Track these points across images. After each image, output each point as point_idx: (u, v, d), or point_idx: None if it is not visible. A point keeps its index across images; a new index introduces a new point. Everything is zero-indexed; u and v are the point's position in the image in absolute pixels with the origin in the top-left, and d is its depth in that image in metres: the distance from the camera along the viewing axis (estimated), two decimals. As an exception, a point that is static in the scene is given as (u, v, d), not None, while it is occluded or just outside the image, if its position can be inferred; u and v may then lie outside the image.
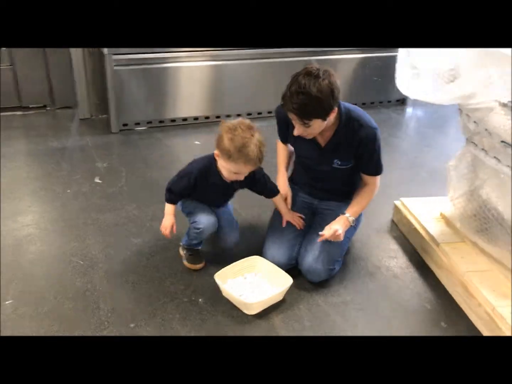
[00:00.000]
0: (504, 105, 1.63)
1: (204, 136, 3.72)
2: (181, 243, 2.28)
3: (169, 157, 3.42)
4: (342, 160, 2.12)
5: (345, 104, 2.07)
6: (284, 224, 2.20)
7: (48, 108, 4.13)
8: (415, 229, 2.45)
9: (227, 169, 1.98)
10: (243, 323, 1.96)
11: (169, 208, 2.12)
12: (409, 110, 4.59)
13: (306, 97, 1.82)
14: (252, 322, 1.96)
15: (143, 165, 3.26)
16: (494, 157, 1.99)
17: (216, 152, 1.99)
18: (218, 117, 3.98)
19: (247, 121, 1.95)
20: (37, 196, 2.81)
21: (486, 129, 1.92)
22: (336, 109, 1.93)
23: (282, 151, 2.38)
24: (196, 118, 3.96)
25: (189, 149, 3.56)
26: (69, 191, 2.88)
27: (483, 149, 2.06)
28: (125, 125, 3.76)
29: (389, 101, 4.62)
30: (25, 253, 2.31)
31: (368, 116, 2.09)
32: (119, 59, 3.50)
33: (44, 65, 3.95)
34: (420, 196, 2.70)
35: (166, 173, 3.21)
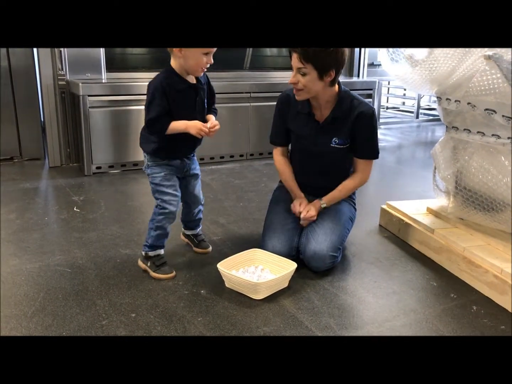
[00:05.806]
0: (488, 57, 1.74)
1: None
2: (142, 252, 2.11)
3: (148, 189, 3.35)
4: (339, 138, 2.14)
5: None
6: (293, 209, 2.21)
7: (16, 160, 4.04)
8: (406, 223, 2.47)
9: (198, 52, 1.84)
10: (252, 306, 1.85)
11: (175, 124, 1.91)
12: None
13: None
14: (261, 305, 1.87)
15: (121, 196, 3.19)
16: (478, 132, 2.11)
17: (176, 50, 1.85)
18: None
19: None
20: (13, 224, 2.66)
21: (469, 103, 2.05)
22: (332, 74, 1.97)
23: (285, 169, 2.30)
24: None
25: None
26: (46, 218, 2.76)
27: (465, 129, 2.19)
28: (98, 168, 3.71)
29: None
30: (3, 266, 2.15)
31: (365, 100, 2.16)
32: (93, 101, 3.54)
33: (13, 117, 3.93)
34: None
35: (147, 199, 3.16)
